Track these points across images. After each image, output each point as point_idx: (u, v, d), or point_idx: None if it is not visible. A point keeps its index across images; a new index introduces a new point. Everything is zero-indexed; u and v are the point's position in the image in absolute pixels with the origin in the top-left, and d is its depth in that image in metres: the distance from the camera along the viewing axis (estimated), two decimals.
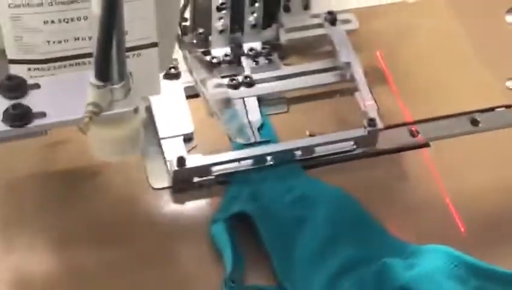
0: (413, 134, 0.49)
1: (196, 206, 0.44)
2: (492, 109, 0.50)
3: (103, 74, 0.32)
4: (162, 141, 0.44)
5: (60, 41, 0.37)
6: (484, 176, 0.46)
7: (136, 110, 0.34)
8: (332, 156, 0.46)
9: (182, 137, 0.45)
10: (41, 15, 0.35)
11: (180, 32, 0.47)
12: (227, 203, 0.43)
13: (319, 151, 0.46)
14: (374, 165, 0.47)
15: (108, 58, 0.32)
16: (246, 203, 0.42)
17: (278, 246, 0.41)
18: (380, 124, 0.46)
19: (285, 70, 0.49)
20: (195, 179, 0.44)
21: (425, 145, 0.48)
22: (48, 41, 0.37)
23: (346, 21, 0.52)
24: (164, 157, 0.44)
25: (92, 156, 0.38)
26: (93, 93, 0.32)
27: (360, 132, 0.45)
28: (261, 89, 0.48)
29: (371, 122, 0.45)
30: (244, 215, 0.42)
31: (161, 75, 0.43)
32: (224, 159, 0.44)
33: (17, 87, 0.33)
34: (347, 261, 0.40)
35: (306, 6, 0.51)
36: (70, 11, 0.36)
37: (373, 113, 0.46)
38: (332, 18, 0.50)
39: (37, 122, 0.33)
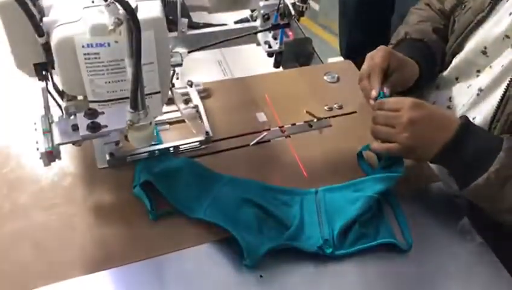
0: (282, 131, 0.75)
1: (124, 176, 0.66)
2: (319, 119, 0.79)
3: (135, 106, 0.51)
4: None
5: (113, 91, 0.54)
6: (317, 151, 0.73)
7: (150, 123, 0.54)
8: (190, 150, 0.71)
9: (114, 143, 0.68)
10: (104, 79, 0.53)
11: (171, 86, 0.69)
12: (137, 175, 0.65)
13: (182, 147, 0.71)
14: (264, 147, 0.73)
15: (137, 99, 0.50)
16: (146, 175, 0.64)
17: (168, 191, 0.63)
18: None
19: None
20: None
21: (288, 136, 0.75)
22: (108, 91, 0.54)
23: (197, 84, 0.79)
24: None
25: None
26: (130, 115, 0.52)
27: (202, 137, 0.71)
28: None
29: (207, 133, 0.72)
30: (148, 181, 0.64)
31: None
32: (134, 152, 0.68)
33: (93, 113, 0.55)
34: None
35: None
36: (118, 76, 0.53)
37: (207, 128, 0.72)
38: (191, 83, 0.78)
39: (102, 130, 0.54)
